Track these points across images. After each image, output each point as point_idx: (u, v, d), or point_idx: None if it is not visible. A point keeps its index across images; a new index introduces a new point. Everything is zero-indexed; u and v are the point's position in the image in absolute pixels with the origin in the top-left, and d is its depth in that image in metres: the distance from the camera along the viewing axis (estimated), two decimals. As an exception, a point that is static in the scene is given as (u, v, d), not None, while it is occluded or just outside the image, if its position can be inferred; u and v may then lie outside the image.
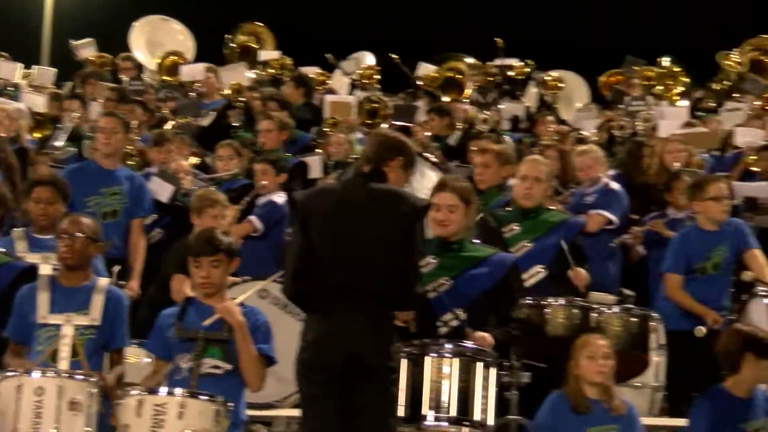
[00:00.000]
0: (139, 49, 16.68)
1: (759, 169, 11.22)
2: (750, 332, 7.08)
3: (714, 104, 15.10)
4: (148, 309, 8.34)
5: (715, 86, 15.60)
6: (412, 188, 6.70)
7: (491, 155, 9.09)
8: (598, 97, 16.12)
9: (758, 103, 13.88)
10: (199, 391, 6.02)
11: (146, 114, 12.52)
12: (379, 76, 15.14)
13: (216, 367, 6.28)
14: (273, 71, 15.48)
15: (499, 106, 13.64)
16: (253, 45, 16.81)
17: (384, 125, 12.23)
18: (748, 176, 11.27)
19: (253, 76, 14.80)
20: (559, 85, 15.67)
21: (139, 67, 16.08)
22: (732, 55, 15.69)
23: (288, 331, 7.03)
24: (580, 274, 7.76)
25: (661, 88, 14.95)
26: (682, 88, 15.10)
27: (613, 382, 6.92)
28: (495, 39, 15.76)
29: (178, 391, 5.97)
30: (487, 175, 9.02)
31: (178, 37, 17.12)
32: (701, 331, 8.05)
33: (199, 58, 16.27)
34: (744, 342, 6.95)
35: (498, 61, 15.55)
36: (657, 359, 7.88)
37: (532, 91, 15.59)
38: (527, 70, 15.55)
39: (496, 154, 9.09)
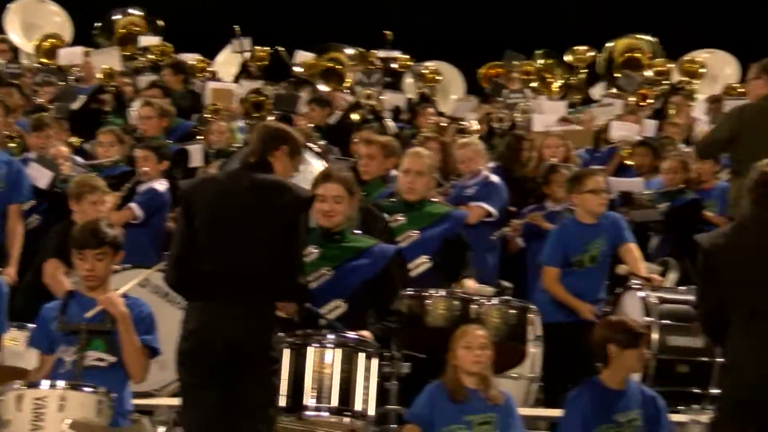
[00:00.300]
0: (15, 32, 16.40)
1: (634, 164, 11.46)
2: (618, 323, 7.18)
3: (580, 98, 15.42)
4: (24, 295, 8.24)
5: (572, 81, 15.89)
6: (296, 178, 6.69)
7: (376, 147, 9.11)
8: (474, 89, 16.29)
9: (633, 99, 14.18)
10: (81, 383, 5.96)
11: (23, 98, 12.33)
12: (267, 62, 15.14)
13: (100, 359, 6.22)
14: (153, 57, 15.35)
15: (380, 97, 13.69)
16: (135, 29, 16.66)
17: (270, 118, 12.22)
18: (623, 170, 11.51)
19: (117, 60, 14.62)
20: (437, 77, 15.80)
21: (15, 50, 15.82)
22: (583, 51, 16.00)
23: (169, 320, 6.98)
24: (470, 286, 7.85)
25: (538, 83, 15.21)
26: (562, 82, 15.37)
27: (491, 372, 6.99)
28: (384, 32, 15.84)
29: (60, 383, 5.89)
30: (372, 166, 9.03)
31: (55, 19, 16.88)
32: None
33: (77, 41, 16.06)
34: (612, 332, 7.05)
35: (383, 53, 15.63)
36: (534, 350, 7.95)
37: (408, 82, 15.70)
38: (411, 63, 15.66)
39: (381, 146, 9.11)
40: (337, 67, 15.51)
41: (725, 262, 6.10)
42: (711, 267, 6.17)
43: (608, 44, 16.76)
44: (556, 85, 15.40)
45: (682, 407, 7.50)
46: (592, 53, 16.47)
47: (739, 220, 6.72)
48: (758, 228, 6.13)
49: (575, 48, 16.34)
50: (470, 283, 7.91)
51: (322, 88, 14.98)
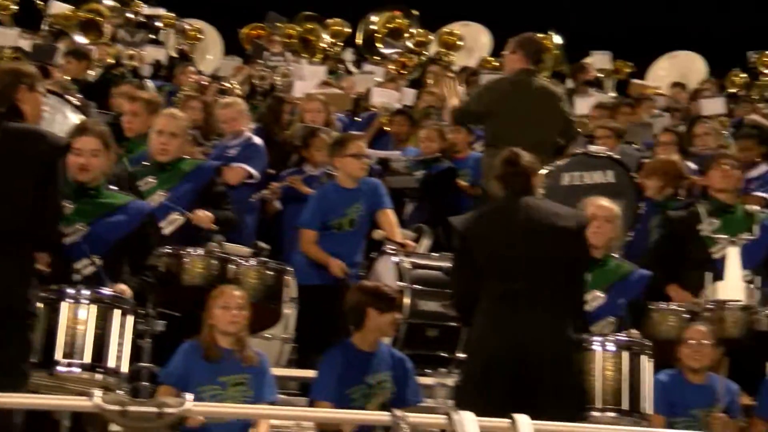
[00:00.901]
0: None
1: (392, 130, 11.64)
2: (373, 288, 7.30)
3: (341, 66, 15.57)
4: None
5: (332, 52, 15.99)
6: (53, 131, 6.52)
7: (140, 103, 8.96)
8: (235, 50, 16.22)
9: (393, 66, 14.40)
10: None
11: None
12: (16, 8, 14.70)
13: None
14: None
15: (142, 53, 13.50)
16: None
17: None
18: (381, 137, 11.69)
19: None
20: (198, 36, 15.68)
21: None
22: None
23: None
24: (201, 219, 7.80)
25: (300, 47, 15.25)
26: (325, 46, 15.45)
27: (246, 332, 7.01)
28: None
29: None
30: (136, 123, 8.86)
31: None
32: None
33: None
34: (367, 297, 7.17)
35: (148, 10, 15.40)
36: (288, 312, 8.02)
37: (169, 38, 15.53)
38: (174, 21, 15.49)
39: (146, 103, 8.97)
40: (96, 18, 15.17)
41: (478, 244, 6.33)
42: (466, 249, 6.40)
43: (371, 16, 16.95)
44: (320, 48, 15.47)
45: (430, 370, 7.68)
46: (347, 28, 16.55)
47: (491, 203, 6.96)
48: (509, 212, 6.39)
49: (328, 21, 16.39)
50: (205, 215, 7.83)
51: (80, 39, 14.64)
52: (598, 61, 15.80)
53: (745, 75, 16.05)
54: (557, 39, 15.90)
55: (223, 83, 12.70)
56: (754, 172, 10.36)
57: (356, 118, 12.30)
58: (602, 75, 15.60)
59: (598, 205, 7.31)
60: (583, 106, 12.73)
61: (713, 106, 13.42)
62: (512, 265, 6.30)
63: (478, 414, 5.09)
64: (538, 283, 6.28)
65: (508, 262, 6.31)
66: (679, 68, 16.94)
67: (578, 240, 6.47)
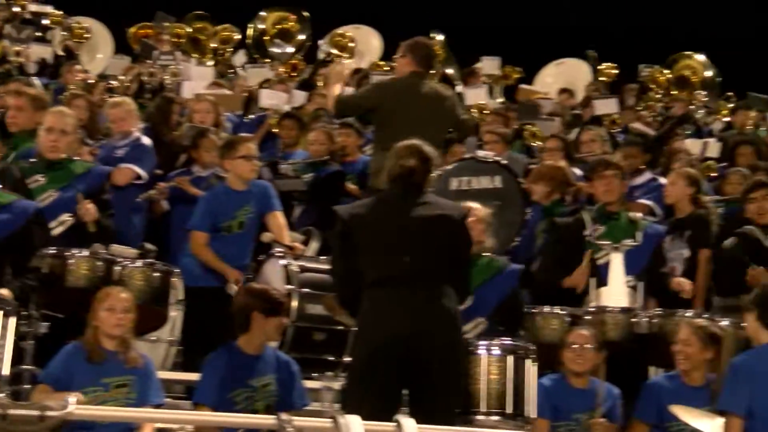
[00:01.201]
0: None
1: (281, 133, 11.61)
2: (260, 291, 7.29)
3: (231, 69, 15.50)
4: None
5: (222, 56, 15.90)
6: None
7: (26, 99, 8.85)
8: (123, 50, 16.06)
9: (283, 69, 14.36)
10: None
11: None
12: None
13: None
14: None
15: (28, 50, 13.30)
16: None
17: None
18: (270, 139, 11.65)
19: None
20: (86, 34, 15.49)
21: None
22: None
23: None
24: (88, 210, 7.73)
25: (189, 46, 15.15)
26: (215, 46, 15.37)
27: (132, 335, 6.95)
28: None
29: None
30: (21, 118, 8.76)
31: None
32: (233, 288, 8.19)
33: None
34: (254, 300, 7.15)
35: (34, 7, 15.19)
36: (174, 314, 7.97)
37: (55, 35, 15.32)
38: (61, 19, 15.28)
39: (32, 98, 8.86)
40: (-20, 15, 14.91)
41: (359, 231, 6.43)
42: (346, 234, 6.50)
43: (261, 14, 16.91)
44: (209, 48, 15.38)
45: (317, 374, 7.68)
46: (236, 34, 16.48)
47: (378, 194, 7.02)
48: (392, 202, 6.50)
49: (218, 29, 16.31)
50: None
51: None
52: (488, 66, 15.93)
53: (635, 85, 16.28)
54: (440, 37, 15.98)
55: (111, 82, 12.57)
56: (639, 180, 10.53)
57: (248, 118, 12.25)
58: (490, 81, 15.71)
59: (469, 207, 7.45)
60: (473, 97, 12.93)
61: (606, 106, 13.60)
62: (393, 251, 6.39)
63: (363, 415, 5.13)
64: (420, 268, 6.37)
65: (389, 249, 6.40)
66: (565, 75, 17.12)
67: (460, 228, 6.60)
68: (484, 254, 7.67)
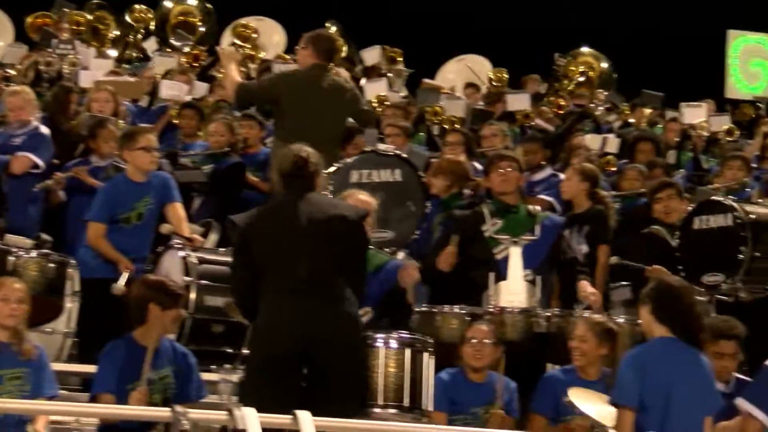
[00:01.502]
0: None
1: (181, 124, 11.51)
2: (156, 282, 7.22)
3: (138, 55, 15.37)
4: None
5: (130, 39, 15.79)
6: None
7: None
8: (21, 38, 15.83)
9: (184, 59, 14.25)
10: None
11: None
12: None
13: None
14: None
15: None
16: None
17: None
18: (170, 130, 11.55)
19: None
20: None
21: None
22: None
23: None
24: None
25: (89, 35, 14.99)
26: (117, 34, 15.22)
27: (25, 326, 6.85)
28: None
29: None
30: None
31: None
32: (119, 289, 8.07)
33: None
34: (150, 292, 7.09)
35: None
36: (70, 305, 7.88)
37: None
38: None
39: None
40: None
41: (257, 241, 6.45)
42: (245, 244, 6.51)
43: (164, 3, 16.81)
44: (110, 37, 15.22)
45: (215, 366, 7.63)
46: (151, 15, 16.40)
47: (272, 201, 7.03)
48: (289, 207, 6.52)
49: (135, 6, 16.20)
50: None
51: None
52: (369, 57, 15.92)
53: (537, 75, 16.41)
54: (334, 28, 15.98)
55: (8, 71, 12.38)
56: (539, 175, 10.60)
57: (147, 110, 12.13)
58: (392, 74, 15.70)
59: (357, 198, 7.45)
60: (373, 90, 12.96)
61: (519, 102, 13.68)
62: (292, 257, 6.43)
63: (261, 407, 5.11)
64: (318, 273, 6.42)
65: (288, 256, 6.44)
66: (466, 71, 17.19)
67: (357, 228, 6.64)
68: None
